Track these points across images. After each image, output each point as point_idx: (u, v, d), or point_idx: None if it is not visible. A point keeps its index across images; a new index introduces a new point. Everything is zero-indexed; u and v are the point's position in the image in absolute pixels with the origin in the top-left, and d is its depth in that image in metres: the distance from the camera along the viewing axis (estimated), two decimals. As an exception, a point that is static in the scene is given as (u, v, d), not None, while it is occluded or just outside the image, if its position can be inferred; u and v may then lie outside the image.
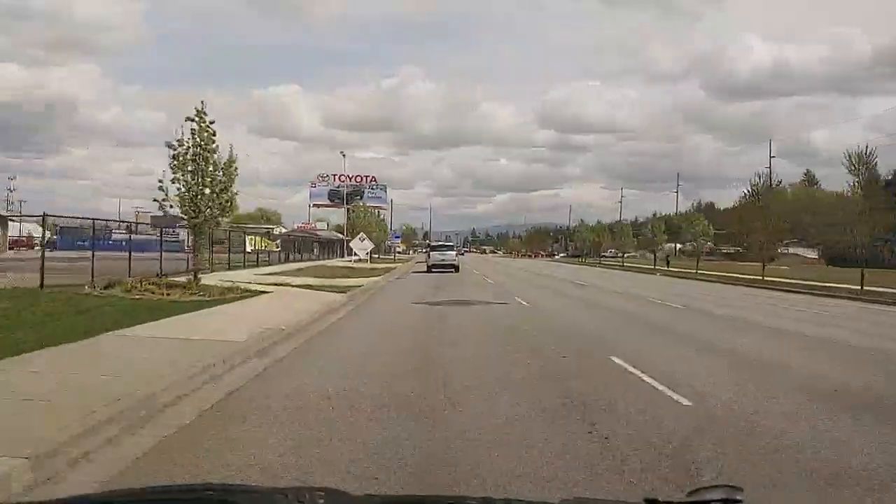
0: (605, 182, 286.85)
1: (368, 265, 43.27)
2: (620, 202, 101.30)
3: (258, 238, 33.21)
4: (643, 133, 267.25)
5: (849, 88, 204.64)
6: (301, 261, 43.23)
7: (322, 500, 1.39)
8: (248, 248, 30.75)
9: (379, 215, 74.12)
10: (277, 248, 37.13)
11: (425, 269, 38.74)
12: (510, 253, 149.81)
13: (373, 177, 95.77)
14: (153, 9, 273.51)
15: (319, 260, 50.55)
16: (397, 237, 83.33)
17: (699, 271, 44.33)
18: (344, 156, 69.72)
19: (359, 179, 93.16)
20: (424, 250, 55.25)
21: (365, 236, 47.49)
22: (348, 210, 62.62)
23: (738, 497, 1.36)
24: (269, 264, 33.61)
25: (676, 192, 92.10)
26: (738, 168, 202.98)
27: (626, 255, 67.59)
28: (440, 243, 48.35)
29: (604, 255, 79.29)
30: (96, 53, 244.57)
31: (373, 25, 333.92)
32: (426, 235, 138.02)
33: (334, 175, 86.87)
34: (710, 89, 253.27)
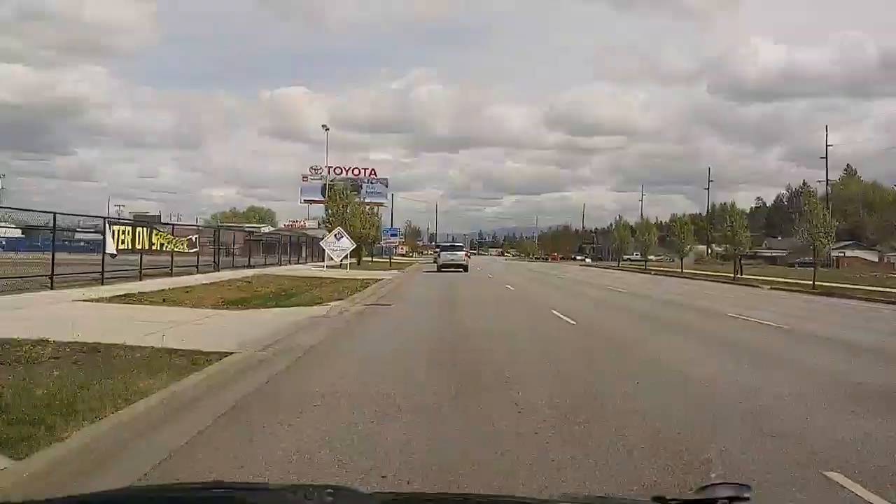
0: (612, 185, 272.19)
1: (346, 273, 30.06)
2: (641, 201, 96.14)
3: (144, 231, 19.49)
4: (651, 136, 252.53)
5: (861, 91, 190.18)
6: (250, 267, 29.85)
7: (330, 498, 1.36)
8: (111, 249, 17.23)
9: (375, 211, 60.92)
10: (193, 247, 23.39)
11: (434, 271, 38.65)
12: (521, 255, 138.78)
13: (372, 169, 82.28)
14: (165, 11, 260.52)
15: (291, 264, 37.24)
16: (394, 234, 69.23)
17: (801, 281, 31.07)
18: (327, 129, 56.04)
19: (356, 172, 79.91)
20: (434, 251, 55.18)
21: (343, 232, 34.10)
22: (327, 200, 48.68)
23: (746, 495, 1.32)
24: (171, 274, 20.29)
25: (708, 188, 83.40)
26: (746, 171, 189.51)
27: (683, 259, 53.15)
28: (450, 244, 50.22)
29: (632, 259, 69.75)
30: (107, 55, 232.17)
31: (383, 28, 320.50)
32: (432, 237, 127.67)
33: (329, 167, 73.84)
34: (719, 92, 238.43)
